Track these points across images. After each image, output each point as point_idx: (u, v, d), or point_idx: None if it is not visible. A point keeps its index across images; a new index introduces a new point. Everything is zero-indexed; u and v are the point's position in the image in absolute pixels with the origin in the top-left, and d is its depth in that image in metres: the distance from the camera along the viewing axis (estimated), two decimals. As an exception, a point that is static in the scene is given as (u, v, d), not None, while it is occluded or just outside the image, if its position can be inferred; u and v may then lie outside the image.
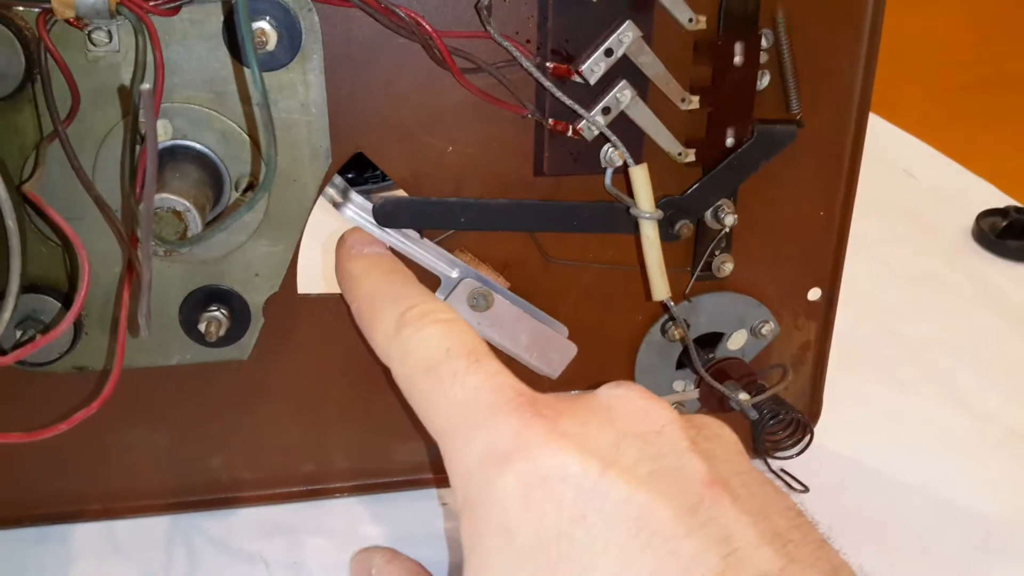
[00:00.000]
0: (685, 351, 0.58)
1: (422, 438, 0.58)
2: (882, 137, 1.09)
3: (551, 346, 0.54)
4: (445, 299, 0.51)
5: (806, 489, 0.58)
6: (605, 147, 0.50)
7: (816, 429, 0.62)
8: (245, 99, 0.46)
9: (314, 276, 0.54)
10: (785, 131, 0.52)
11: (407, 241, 0.51)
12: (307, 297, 0.53)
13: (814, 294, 0.59)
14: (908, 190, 1.00)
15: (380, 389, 0.56)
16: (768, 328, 0.59)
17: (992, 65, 1.34)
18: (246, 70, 0.45)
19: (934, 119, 1.15)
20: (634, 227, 0.51)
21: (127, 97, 0.45)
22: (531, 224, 0.52)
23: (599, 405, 0.39)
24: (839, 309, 0.61)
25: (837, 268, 0.59)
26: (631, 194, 0.50)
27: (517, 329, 0.52)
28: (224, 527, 0.56)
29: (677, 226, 0.52)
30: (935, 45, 1.42)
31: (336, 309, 0.53)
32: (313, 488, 0.58)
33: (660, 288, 0.49)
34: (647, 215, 0.47)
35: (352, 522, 0.57)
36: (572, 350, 0.54)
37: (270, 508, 0.57)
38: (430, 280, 0.52)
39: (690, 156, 0.52)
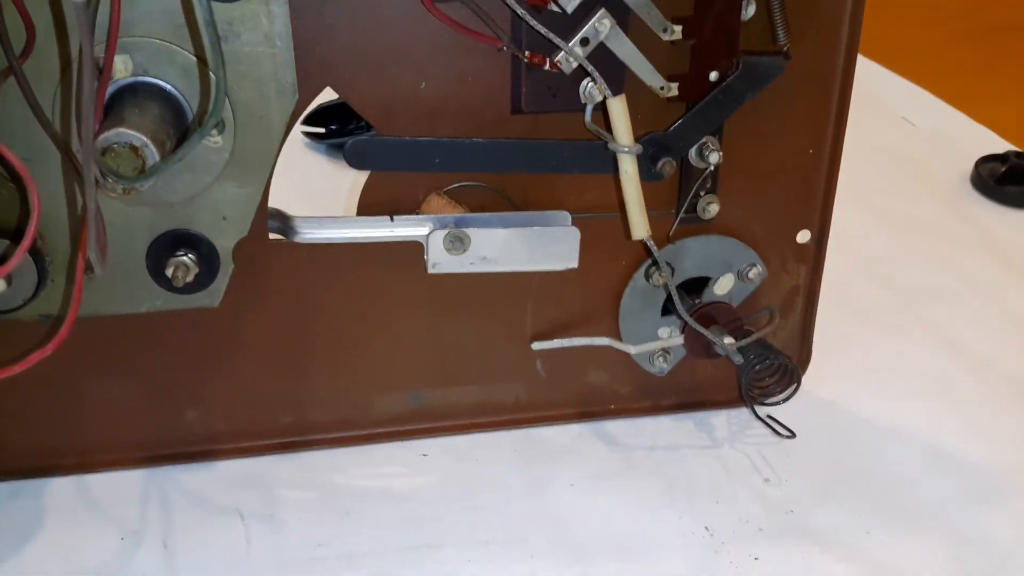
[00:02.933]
0: (670, 296, 0.57)
1: (402, 388, 0.57)
2: (880, 84, 1.07)
3: (553, 242, 0.51)
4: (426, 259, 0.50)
5: (793, 435, 0.57)
6: (584, 82, 0.48)
7: (805, 376, 0.61)
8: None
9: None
10: (772, 64, 0.50)
11: (374, 228, 0.50)
12: (280, 243, 0.51)
13: (803, 236, 0.58)
14: (906, 137, 0.98)
15: (358, 339, 0.55)
16: (755, 272, 0.57)
17: (992, 11, 1.31)
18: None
19: (933, 66, 1.12)
20: (615, 166, 0.49)
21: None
22: (508, 164, 0.50)
23: None
24: (831, 256, 0.59)
25: (827, 210, 0.57)
26: (611, 131, 0.48)
27: (511, 248, 0.50)
28: (200, 480, 0.55)
29: (660, 164, 0.50)
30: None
31: (309, 256, 0.52)
32: (291, 440, 0.57)
33: (640, 226, 0.48)
34: (626, 149, 0.46)
35: (329, 474, 0.56)
36: (575, 234, 0.51)
37: (247, 460, 0.56)
38: (409, 250, 0.51)
39: (673, 91, 0.50)
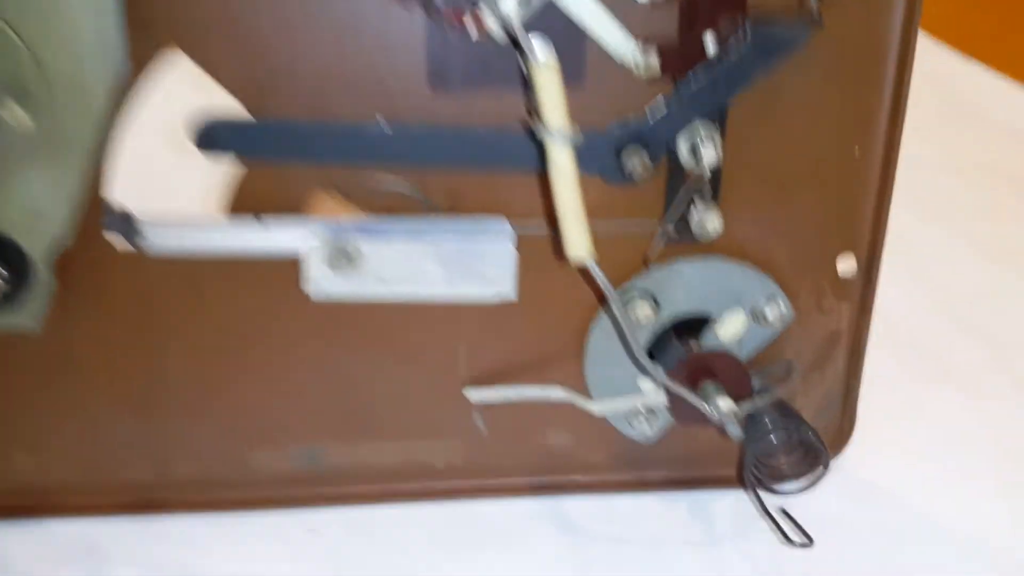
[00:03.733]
0: (662, 337, 0.42)
1: (289, 442, 0.43)
2: (984, 90, 0.88)
3: (478, 261, 0.38)
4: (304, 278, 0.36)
5: (810, 542, 0.41)
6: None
7: (846, 452, 0.45)
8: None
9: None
10: (792, 31, 0.35)
11: (238, 235, 0.37)
12: (122, 253, 0.38)
13: (846, 265, 0.42)
14: (1007, 147, 0.79)
15: (228, 377, 0.42)
16: (776, 311, 0.42)
17: None
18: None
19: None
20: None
21: None
22: (415, 157, 0.36)
23: None
24: (890, 289, 0.43)
25: (878, 230, 0.41)
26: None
27: (418, 268, 0.37)
28: (24, 541, 0.43)
29: (626, 161, 0.36)
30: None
31: (162, 270, 0.39)
32: (144, 499, 0.44)
33: (576, 241, 0.33)
34: (553, 133, 0.31)
35: (182, 549, 0.42)
36: (507, 252, 0.38)
37: (89, 522, 0.44)
38: (291, 266, 0.38)
39: (654, 66, 0.35)
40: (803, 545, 0.41)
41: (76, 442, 0.43)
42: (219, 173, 0.37)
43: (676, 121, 0.36)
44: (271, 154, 0.36)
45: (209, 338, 0.41)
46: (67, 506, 0.44)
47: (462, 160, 0.37)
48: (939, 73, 0.75)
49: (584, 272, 0.38)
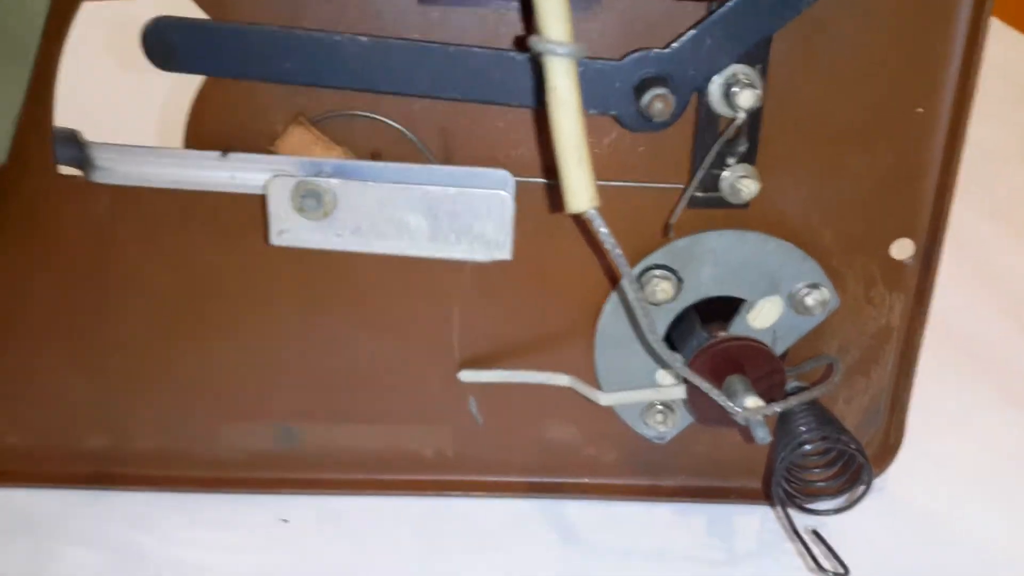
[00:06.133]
0: (677, 320, 0.37)
1: (264, 417, 0.39)
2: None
3: (470, 214, 0.32)
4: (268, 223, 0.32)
5: (844, 571, 0.35)
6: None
7: (891, 470, 0.39)
8: None
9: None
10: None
11: (198, 168, 0.32)
12: (71, 181, 0.34)
13: (902, 249, 0.37)
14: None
15: (192, 337, 0.37)
16: (817, 297, 0.36)
17: None
18: None
19: None
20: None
21: None
22: (398, 79, 0.32)
23: None
24: (949, 286, 0.37)
25: (941, 211, 0.36)
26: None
27: (399, 218, 0.32)
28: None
29: (646, 97, 0.31)
30: None
31: (115, 205, 0.34)
32: (98, 471, 0.39)
33: (578, 190, 0.27)
34: (553, 47, 0.26)
35: (135, 529, 0.38)
36: (505, 204, 0.32)
37: (38, 492, 0.39)
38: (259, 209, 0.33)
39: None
40: (836, 574, 0.35)
41: (21, 405, 0.39)
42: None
43: (708, 54, 0.31)
44: (232, 66, 0.32)
45: (169, 290, 0.36)
46: (11, 474, 0.40)
47: (452, 87, 0.32)
48: (1010, 58, 0.69)
49: (594, 239, 0.33)
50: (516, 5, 0.31)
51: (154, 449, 0.39)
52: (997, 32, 0.35)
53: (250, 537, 0.38)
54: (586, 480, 0.41)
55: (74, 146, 0.34)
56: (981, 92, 0.34)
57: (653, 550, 0.38)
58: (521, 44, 0.31)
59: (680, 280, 0.36)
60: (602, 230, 0.28)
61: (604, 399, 0.37)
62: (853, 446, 0.35)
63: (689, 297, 0.36)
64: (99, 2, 0.31)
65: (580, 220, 0.30)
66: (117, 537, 0.38)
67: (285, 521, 0.39)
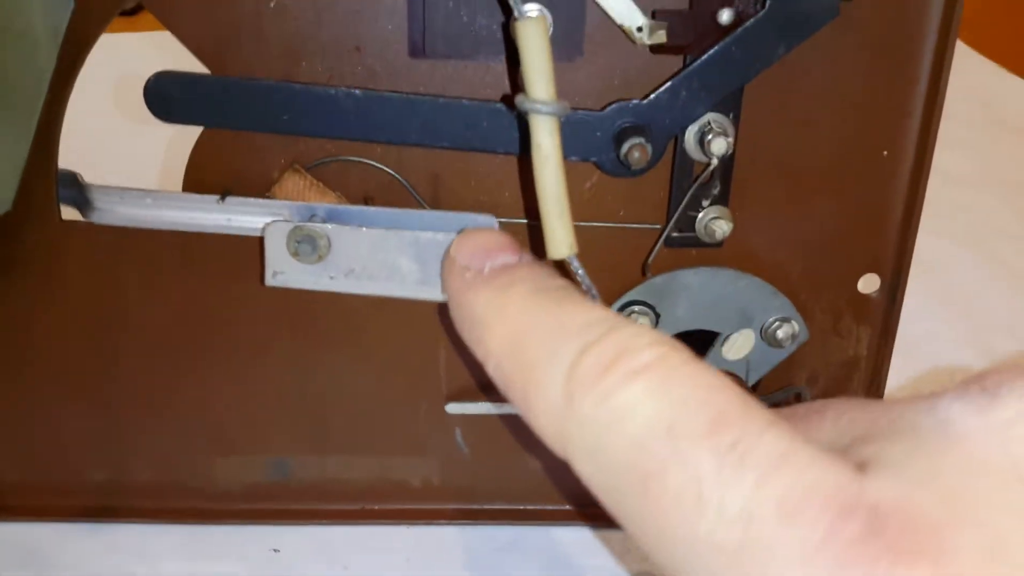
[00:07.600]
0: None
1: (259, 451, 0.40)
2: (1019, 99, 0.84)
3: None
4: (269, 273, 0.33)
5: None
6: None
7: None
8: None
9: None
10: (819, 3, 0.32)
11: (195, 210, 0.34)
12: (74, 224, 0.35)
13: (868, 283, 0.38)
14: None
15: (195, 372, 0.38)
16: (787, 331, 0.38)
17: None
18: None
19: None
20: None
21: None
22: (389, 129, 0.33)
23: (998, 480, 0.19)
24: (915, 315, 0.39)
25: (905, 246, 0.38)
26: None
27: (389, 261, 0.33)
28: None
29: (625, 146, 0.32)
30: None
31: (116, 246, 0.36)
32: (100, 505, 0.41)
33: (558, 238, 0.29)
34: (539, 106, 0.28)
35: (134, 560, 0.39)
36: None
37: (38, 527, 0.40)
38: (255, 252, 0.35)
39: (660, 35, 0.32)
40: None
41: (21, 437, 0.40)
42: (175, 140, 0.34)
43: (684, 105, 0.33)
44: (230, 117, 0.33)
45: (168, 328, 0.37)
46: (11, 509, 0.40)
47: (442, 136, 0.33)
48: (977, 85, 0.71)
49: (599, 275, 0.35)
50: (502, 59, 0.33)
51: (152, 482, 0.40)
52: (963, 57, 0.37)
53: (243, 567, 0.39)
54: (573, 508, 0.42)
55: (74, 188, 0.35)
56: (948, 118, 0.36)
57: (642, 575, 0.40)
58: (507, 100, 0.33)
59: (657, 315, 0.38)
60: (579, 272, 0.29)
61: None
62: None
63: (666, 331, 0.38)
64: (105, 56, 0.32)
65: (561, 263, 0.32)
66: (113, 569, 0.39)
67: (276, 551, 0.40)
